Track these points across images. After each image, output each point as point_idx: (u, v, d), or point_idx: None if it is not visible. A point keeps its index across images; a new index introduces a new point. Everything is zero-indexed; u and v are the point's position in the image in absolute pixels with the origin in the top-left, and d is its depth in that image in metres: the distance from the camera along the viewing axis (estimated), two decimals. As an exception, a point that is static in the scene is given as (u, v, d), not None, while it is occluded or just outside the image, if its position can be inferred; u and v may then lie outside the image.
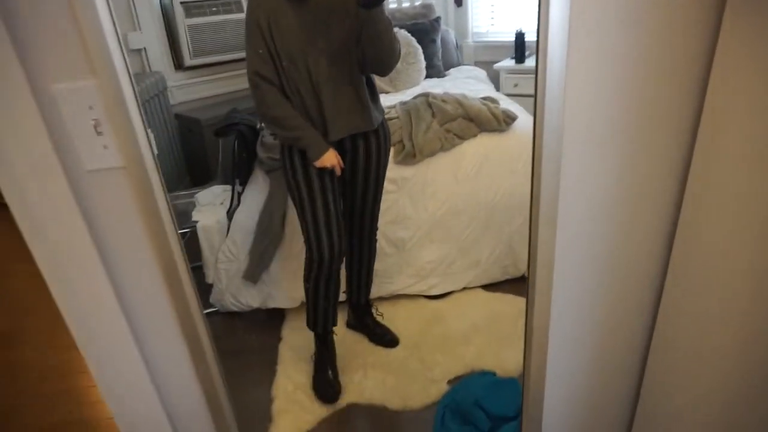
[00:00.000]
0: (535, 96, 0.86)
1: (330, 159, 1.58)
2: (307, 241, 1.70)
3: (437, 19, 3.49)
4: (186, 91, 3.41)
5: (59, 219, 0.83)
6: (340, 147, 1.65)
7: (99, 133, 0.78)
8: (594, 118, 0.93)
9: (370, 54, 1.50)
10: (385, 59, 1.53)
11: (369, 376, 1.89)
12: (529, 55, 3.44)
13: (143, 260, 0.89)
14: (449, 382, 1.86)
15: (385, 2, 1.42)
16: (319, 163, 1.57)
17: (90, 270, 0.88)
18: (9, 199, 0.81)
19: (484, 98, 2.38)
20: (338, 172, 1.62)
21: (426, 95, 2.38)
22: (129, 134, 0.76)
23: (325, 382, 1.82)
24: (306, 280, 1.75)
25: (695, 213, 1.02)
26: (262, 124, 2.35)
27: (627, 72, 0.90)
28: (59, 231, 0.85)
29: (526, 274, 2.34)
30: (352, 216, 1.82)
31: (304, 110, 1.56)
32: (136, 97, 0.76)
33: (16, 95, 0.74)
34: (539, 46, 0.81)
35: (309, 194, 1.62)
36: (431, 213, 2.20)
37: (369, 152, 1.69)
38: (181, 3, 3.23)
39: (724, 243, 0.95)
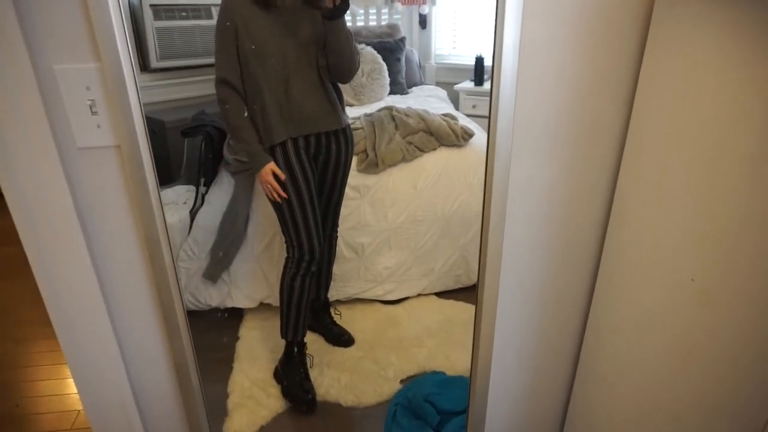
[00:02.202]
0: (489, 109, 0.98)
1: (266, 173, 1.65)
2: (295, 240, 1.76)
3: (402, 39, 3.64)
4: (151, 93, 3.40)
5: (45, 191, 0.88)
6: (309, 146, 1.73)
7: (94, 113, 0.84)
8: (539, 130, 1.06)
9: (332, 61, 1.62)
10: (345, 68, 1.66)
11: (325, 374, 1.95)
12: (487, 79, 3.63)
13: (125, 233, 0.94)
14: (402, 381, 1.94)
15: (345, 16, 1.56)
16: (259, 176, 1.67)
17: (71, 244, 0.92)
18: (-2, 170, 0.85)
19: (445, 114, 2.52)
20: (274, 191, 1.68)
21: (390, 108, 2.51)
22: (125, 115, 0.82)
23: (303, 390, 1.84)
24: (291, 280, 1.80)
25: (622, 218, 1.16)
26: None
27: (568, 89, 1.04)
28: (44, 203, 0.89)
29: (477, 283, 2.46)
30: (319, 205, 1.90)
31: (274, 107, 1.62)
32: (135, 79, 0.82)
33: (19, 73, 0.79)
34: (494, 69, 0.93)
35: (297, 195, 1.70)
36: (391, 221, 2.30)
37: (339, 153, 1.79)
38: (150, 5, 3.25)
39: (649, 236, 1.08)
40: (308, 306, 1.86)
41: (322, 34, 1.59)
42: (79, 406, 2.04)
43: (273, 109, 1.62)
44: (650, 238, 1.08)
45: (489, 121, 0.98)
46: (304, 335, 1.90)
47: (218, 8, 1.60)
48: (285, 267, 1.82)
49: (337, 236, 2.03)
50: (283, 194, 1.69)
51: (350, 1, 1.52)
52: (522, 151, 1.04)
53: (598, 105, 1.06)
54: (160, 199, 0.90)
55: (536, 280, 1.27)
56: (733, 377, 0.94)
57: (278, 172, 1.66)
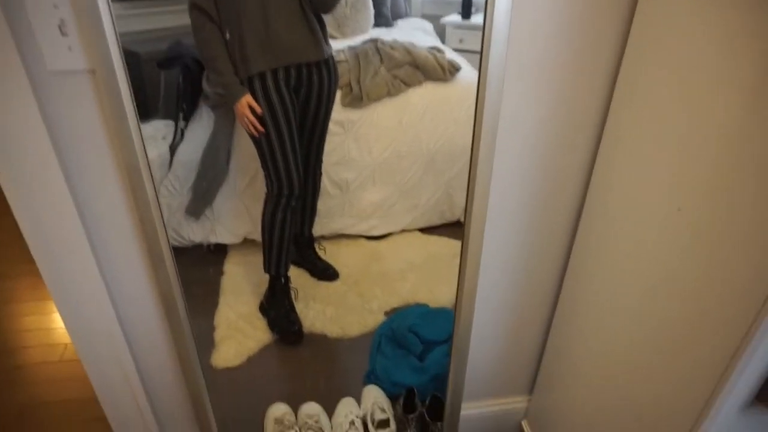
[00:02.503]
0: (482, 39, 0.94)
1: (242, 106, 1.63)
2: (274, 175, 1.77)
3: (387, -32, 3.46)
4: (125, 23, 3.22)
5: (19, 119, 0.84)
6: (289, 78, 1.68)
7: (64, 34, 0.79)
8: (531, 61, 1.03)
9: None
10: None
11: (310, 307, 1.99)
12: (476, 12, 3.50)
13: (105, 163, 0.91)
14: (386, 313, 1.99)
15: None
16: (236, 107, 1.65)
17: (48, 174, 0.89)
18: (-34, 96, 0.81)
19: (431, 48, 2.45)
20: (251, 125, 1.66)
21: (375, 41, 2.43)
22: (98, 36, 0.78)
23: (289, 322, 1.87)
24: (272, 215, 1.82)
25: (612, 149, 1.16)
26: None
27: (561, 18, 1.00)
28: (18, 132, 0.86)
29: (461, 219, 2.49)
30: (301, 138, 1.88)
31: (252, 36, 1.57)
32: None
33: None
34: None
35: (275, 127, 1.68)
36: (375, 156, 2.28)
37: (321, 85, 1.76)
38: (119, -76, 3.03)
39: (638, 166, 1.09)
40: (290, 240, 1.86)
41: None
42: (67, 339, 2.06)
43: (250, 38, 1.56)
44: (639, 169, 1.08)
45: (481, 50, 0.95)
46: (287, 269, 1.91)
47: None
48: (265, 202, 1.82)
49: (321, 172, 2.01)
50: (261, 128, 1.66)
51: None
52: (513, 83, 1.02)
53: (592, 34, 1.04)
54: (140, 127, 0.87)
55: (523, 213, 1.28)
56: (717, 314, 0.97)
57: (254, 105, 1.63)
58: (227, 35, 1.57)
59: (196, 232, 2.32)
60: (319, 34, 1.68)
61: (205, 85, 2.35)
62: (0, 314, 2.24)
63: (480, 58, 0.97)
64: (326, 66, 1.76)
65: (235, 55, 1.59)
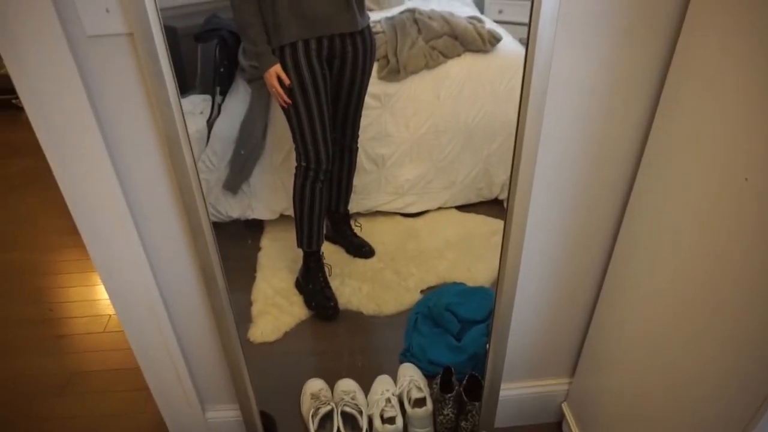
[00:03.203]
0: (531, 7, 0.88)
1: (271, 76, 1.63)
2: (302, 148, 1.75)
3: (425, -63, 3.36)
4: (160, -2, 3.25)
5: (60, 86, 0.83)
6: (321, 49, 1.65)
7: (102, -4, 0.77)
8: (582, 18, 0.96)
9: None
10: None
11: (346, 284, 1.98)
12: (516, -18, 3.39)
13: (144, 130, 0.90)
14: (422, 291, 1.96)
15: None
16: (266, 75, 1.65)
17: (87, 138, 0.89)
18: (8, 65, 0.80)
19: (470, 17, 2.36)
20: (281, 96, 1.66)
21: (412, 11, 2.35)
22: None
23: (324, 297, 1.87)
24: (301, 189, 1.81)
25: (666, 123, 1.08)
26: None
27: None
28: (60, 100, 0.85)
29: (500, 197, 2.43)
30: (335, 123, 1.86)
31: (285, 4, 1.55)
32: (143, -42, 0.74)
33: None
34: None
35: (304, 100, 1.65)
36: (412, 131, 2.23)
37: (356, 57, 1.72)
38: None
39: (699, 131, 1.02)
40: (321, 215, 1.85)
41: None
42: (111, 311, 2.11)
43: (283, 5, 1.55)
44: (700, 133, 1.01)
45: (531, 9, 0.89)
46: (319, 244, 1.90)
47: None
48: (295, 176, 1.81)
49: (357, 147, 1.97)
50: (287, 100, 1.65)
51: None
52: (563, 43, 0.95)
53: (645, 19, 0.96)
54: (178, 94, 0.85)
55: (570, 185, 1.22)
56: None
57: (283, 76, 1.62)
58: (262, 3, 1.55)
59: (233, 208, 2.33)
60: (353, 5, 1.64)
61: (241, 59, 2.33)
62: (46, 286, 2.31)
63: (529, 19, 0.91)
64: (362, 37, 1.72)
65: (268, 23, 1.57)
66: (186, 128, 0.89)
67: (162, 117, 0.84)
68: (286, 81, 1.62)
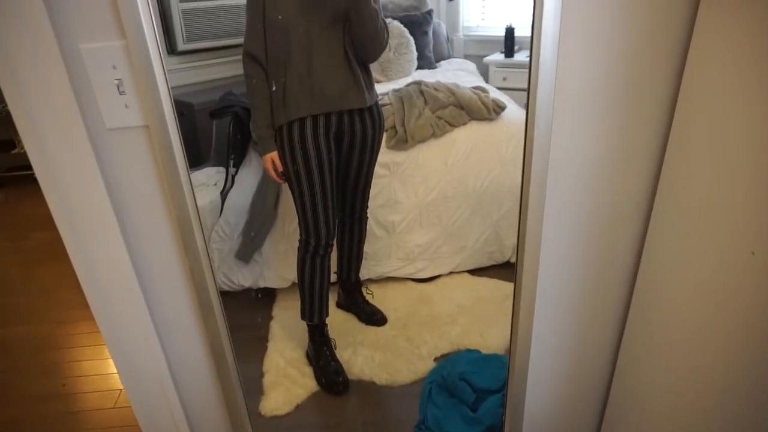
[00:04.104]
0: (528, 83, 0.93)
1: (266, 161, 1.70)
2: (304, 222, 1.76)
3: (429, 12, 3.55)
4: (178, 76, 3.42)
5: (78, 174, 0.88)
6: (330, 126, 1.68)
7: (122, 93, 0.82)
8: (581, 97, 1.00)
9: (356, 39, 1.57)
10: (368, 47, 1.61)
11: (358, 353, 1.95)
12: (518, 50, 3.52)
13: (157, 215, 0.93)
14: (436, 359, 1.92)
15: None
16: (264, 159, 1.73)
17: (104, 223, 0.92)
18: (30, 154, 0.85)
19: (475, 88, 2.45)
20: (278, 177, 1.73)
21: (419, 83, 2.45)
22: (152, 94, 0.81)
23: (332, 372, 1.83)
24: (302, 261, 1.80)
25: (672, 187, 1.10)
26: None
27: (611, 61, 0.97)
28: (77, 186, 0.89)
29: (511, 260, 2.42)
30: (344, 196, 1.88)
31: (295, 81, 1.59)
32: (161, 59, 0.80)
33: (46, 54, 0.78)
34: (533, 37, 0.87)
35: (308, 176, 1.68)
36: (421, 198, 2.27)
37: (365, 134, 1.74)
38: (176, -14, 3.24)
39: (702, 205, 1.02)
40: (324, 289, 1.84)
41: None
42: (121, 386, 2.10)
43: (294, 82, 1.59)
44: (704, 207, 1.02)
45: (528, 88, 0.93)
46: (322, 317, 1.88)
47: None
48: (298, 248, 1.83)
49: (366, 217, 2.00)
50: (280, 180, 1.73)
51: None
52: (563, 120, 0.98)
53: (646, 69, 1.00)
54: (190, 181, 0.88)
55: (578, 255, 1.22)
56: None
57: (277, 163, 1.69)
58: (273, 85, 1.62)
59: (245, 277, 2.35)
60: (361, 83, 1.67)
61: (253, 133, 2.42)
62: (59, 359, 2.31)
63: (527, 96, 0.95)
64: (370, 114, 1.74)
65: (278, 101, 1.62)
66: (197, 212, 0.92)
67: (175, 203, 0.88)
68: (280, 168, 1.69)
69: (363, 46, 1.60)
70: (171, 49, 3.37)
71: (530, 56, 0.94)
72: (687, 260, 1.09)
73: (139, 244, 0.96)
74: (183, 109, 3.30)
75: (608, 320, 1.39)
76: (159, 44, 0.81)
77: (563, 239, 1.20)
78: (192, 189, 0.88)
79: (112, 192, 0.90)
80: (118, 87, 0.82)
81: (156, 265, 0.99)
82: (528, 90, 0.92)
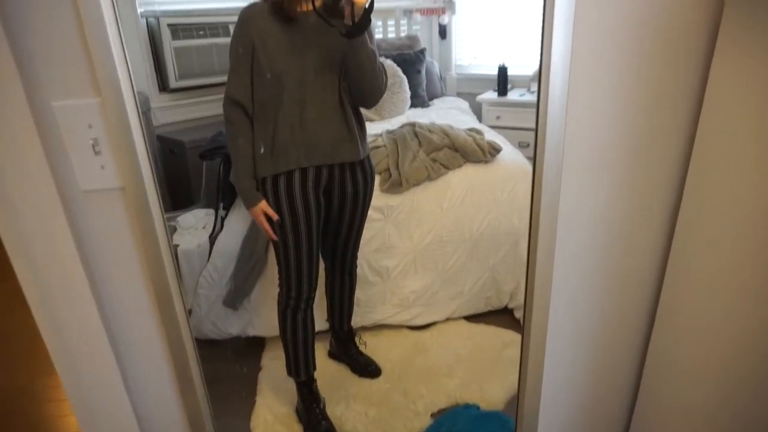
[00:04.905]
0: (536, 129, 0.88)
1: (257, 214, 1.55)
2: (286, 277, 1.65)
3: (422, 51, 3.56)
4: (170, 113, 3.39)
5: (48, 238, 0.80)
6: (319, 180, 1.58)
7: (97, 153, 0.76)
8: (592, 149, 0.95)
9: (353, 84, 1.49)
10: (366, 91, 1.51)
11: (351, 408, 1.85)
12: (511, 88, 3.53)
13: (134, 282, 0.86)
14: (433, 414, 1.83)
15: (369, 34, 1.41)
16: (251, 212, 1.58)
17: (76, 292, 0.84)
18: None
19: (470, 129, 2.42)
20: (268, 233, 1.58)
21: (412, 125, 2.42)
22: (129, 154, 0.75)
23: (320, 429, 1.71)
24: (283, 315, 1.69)
25: (686, 242, 1.04)
26: None
27: (624, 103, 0.93)
28: (46, 250, 0.82)
29: (509, 305, 2.35)
30: (335, 249, 1.79)
31: (286, 131, 1.49)
32: (139, 117, 0.74)
33: (15, 111, 0.72)
34: (541, 79, 0.82)
35: (294, 232, 1.57)
36: (416, 242, 2.20)
37: (356, 189, 1.65)
38: (168, 25, 3.23)
39: (718, 261, 0.96)
40: (309, 343, 1.72)
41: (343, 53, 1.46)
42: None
43: (284, 133, 1.48)
44: (718, 270, 0.96)
45: (536, 141, 0.88)
46: (309, 373, 1.76)
47: (237, 20, 1.48)
48: (278, 302, 1.71)
49: (356, 266, 1.92)
50: (274, 237, 1.57)
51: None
52: (572, 173, 0.93)
53: (659, 121, 0.95)
54: (171, 246, 0.82)
55: (590, 311, 1.15)
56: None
57: (270, 212, 1.54)
58: (259, 134, 1.50)
59: (233, 325, 2.26)
60: (356, 134, 1.56)
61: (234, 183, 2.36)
62: (43, 415, 2.18)
63: (534, 143, 0.89)
64: (361, 168, 1.63)
65: (265, 151, 1.50)
66: (178, 279, 0.85)
67: (153, 270, 0.81)
68: (274, 217, 1.55)
69: (361, 91, 1.51)
70: (163, 86, 3.35)
71: (537, 103, 0.89)
72: (702, 325, 1.03)
73: (114, 314, 0.89)
74: (174, 147, 3.25)
75: (622, 376, 1.31)
76: (136, 99, 0.75)
77: (574, 294, 1.12)
78: (172, 255, 0.82)
79: (85, 258, 0.83)
80: (93, 147, 0.76)
81: (132, 334, 0.91)
82: (535, 149, 0.87)
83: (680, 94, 0.94)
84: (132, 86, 0.74)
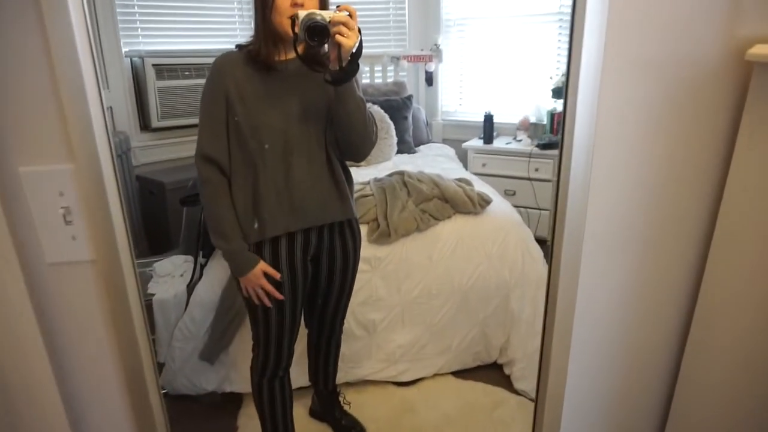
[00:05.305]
0: (555, 199, 0.82)
1: (257, 277, 1.34)
2: (264, 348, 1.49)
3: (409, 97, 3.57)
4: (150, 153, 3.31)
5: (7, 316, 0.72)
6: (308, 245, 1.44)
7: (68, 223, 0.68)
8: (612, 227, 0.90)
9: (341, 136, 1.36)
10: (356, 144, 1.37)
11: (334, 476, 1.73)
12: (497, 136, 3.55)
13: (104, 367, 0.76)
14: (421, 482, 1.72)
15: (356, 81, 1.28)
16: (243, 280, 1.36)
17: (38, 378, 0.75)
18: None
19: (459, 179, 2.39)
20: (268, 298, 1.38)
21: (401, 173, 2.37)
22: (105, 225, 0.67)
23: None
24: (258, 384, 1.54)
25: (706, 327, 0.99)
26: None
27: (648, 173, 0.89)
28: (5, 330, 0.73)
29: (498, 360, 2.26)
30: (322, 318, 1.66)
31: (271, 194, 1.34)
32: (117, 184, 0.67)
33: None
34: (563, 159, 0.78)
35: (277, 302, 1.41)
36: (404, 295, 2.13)
37: (345, 251, 1.51)
38: (153, 65, 3.20)
39: (739, 346, 0.91)
40: (288, 412, 1.59)
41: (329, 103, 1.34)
42: None
43: (269, 196, 1.33)
44: (739, 354, 0.91)
45: (553, 225, 0.82)
46: None
47: (211, 69, 1.35)
48: (251, 367, 1.55)
49: (342, 324, 1.76)
50: (266, 303, 1.38)
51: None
52: (590, 252, 0.87)
53: (680, 200, 0.91)
54: (147, 327, 0.73)
55: (605, 403, 1.08)
56: None
57: (271, 271, 1.36)
58: (239, 197, 1.35)
59: (209, 380, 2.12)
60: (346, 191, 1.44)
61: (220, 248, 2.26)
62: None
63: (552, 235, 0.84)
64: (350, 228, 1.50)
65: (246, 215, 1.35)
66: (154, 362, 0.76)
67: (126, 354, 0.72)
68: (276, 275, 1.36)
69: (350, 144, 1.37)
70: (144, 125, 3.30)
71: (556, 198, 0.84)
72: (723, 404, 0.97)
73: (80, 404, 0.79)
74: (153, 188, 3.16)
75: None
76: (115, 167, 0.68)
77: (589, 381, 1.05)
78: (148, 335, 0.73)
79: (49, 338, 0.74)
80: (64, 216, 0.68)
81: (101, 426, 0.81)
82: (553, 233, 0.81)
83: (703, 172, 0.91)
84: (111, 150, 0.67)
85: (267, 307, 1.40)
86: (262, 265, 1.36)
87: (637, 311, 0.98)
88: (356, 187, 2.33)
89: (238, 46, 1.37)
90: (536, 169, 3.17)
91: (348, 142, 1.37)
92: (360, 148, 1.39)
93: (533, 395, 2.02)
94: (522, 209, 3.01)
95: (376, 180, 2.40)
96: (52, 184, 0.67)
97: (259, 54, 1.30)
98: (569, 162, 0.75)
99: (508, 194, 3.23)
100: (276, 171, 1.33)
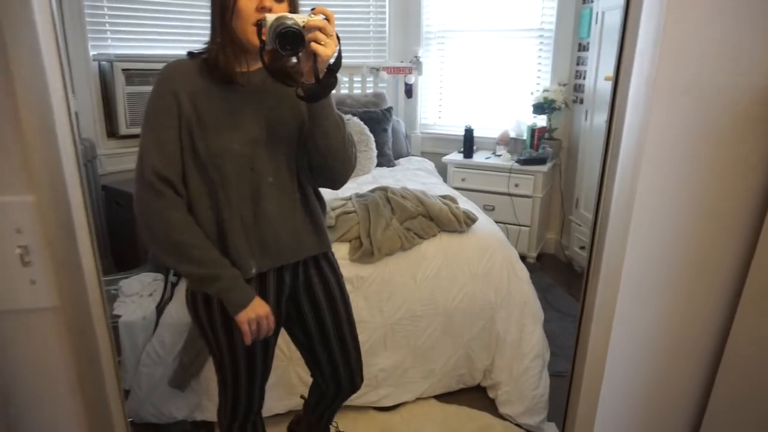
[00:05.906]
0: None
1: (260, 308, 1.15)
2: (232, 396, 1.32)
3: (389, 109, 3.51)
4: (117, 161, 3.15)
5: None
6: (282, 285, 1.26)
7: (26, 264, 0.58)
8: (646, 275, 0.84)
9: (317, 160, 1.16)
10: (334, 169, 1.17)
11: None
12: (477, 150, 3.51)
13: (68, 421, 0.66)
14: None
15: (332, 96, 1.09)
16: (243, 316, 1.13)
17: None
18: None
19: (444, 196, 2.32)
20: (269, 328, 1.18)
21: (384, 189, 2.30)
22: (70, 266, 0.57)
23: None
24: (226, 428, 1.37)
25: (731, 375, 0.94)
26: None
27: (684, 232, 0.85)
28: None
29: (482, 383, 2.19)
30: (332, 363, 1.41)
31: (237, 230, 1.15)
32: (88, 217, 0.57)
33: None
34: (605, 174, 0.71)
35: (248, 354, 1.24)
36: (387, 316, 2.05)
37: (326, 283, 1.32)
38: (123, 70, 3.05)
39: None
40: None
41: (304, 122, 1.16)
42: None
43: (235, 233, 1.14)
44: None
45: (588, 268, 0.75)
46: None
47: (159, 78, 1.13)
48: (219, 408, 1.36)
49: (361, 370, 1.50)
50: (247, 341, 1.16)
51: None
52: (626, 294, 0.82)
53: (715, 248, 0.86)
54: (120, 387, 0.63)
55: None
56: None
57: (270, 319, 1.17)
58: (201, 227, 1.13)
59: (179, 408, 1.99)
60: (321, 221, 1.27)
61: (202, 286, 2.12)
62: None
63: (585, 279, 0.77)
64: (326, 260, 1.32)
65: None
66: (122, 401, 0.66)
67: (95, 413, 0.62)
68: (272, 323, 1.18)
69: (326, 169, 1.17)
70: (112, 132, 3.14)
71: (592, 235, 0.78)
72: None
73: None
74: (120, 199, 3.00)
75: None
76: (86, 198, 0.58)
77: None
78: (121, 397, 0.63)
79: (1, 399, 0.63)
80: (21, 257, 0.58)
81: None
82: (587, 276, 0.74)
83: (739, 223, 0.87)
84: (81, 179, 0.57)
85: (236, 361, 1.24)
86: (258, 304, 1.15)
87: (666, 350, 0.93)
88: (337, 204, 2.25)
89: (190, 53, 1.16)
90: (516, 185, 3.14)
91: (324, 167, 1.17)
92: (338, 175, 1.20)
93: (518, 420, 1.98)
94: (501, 225, 2.97)
95: (359, 196, 2.32)
96: (6, 219, 0.57)
97: (216, 64, 1.09)
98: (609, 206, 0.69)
99: (488, 209, 3.20)
100: (243, 207, 1.15)
